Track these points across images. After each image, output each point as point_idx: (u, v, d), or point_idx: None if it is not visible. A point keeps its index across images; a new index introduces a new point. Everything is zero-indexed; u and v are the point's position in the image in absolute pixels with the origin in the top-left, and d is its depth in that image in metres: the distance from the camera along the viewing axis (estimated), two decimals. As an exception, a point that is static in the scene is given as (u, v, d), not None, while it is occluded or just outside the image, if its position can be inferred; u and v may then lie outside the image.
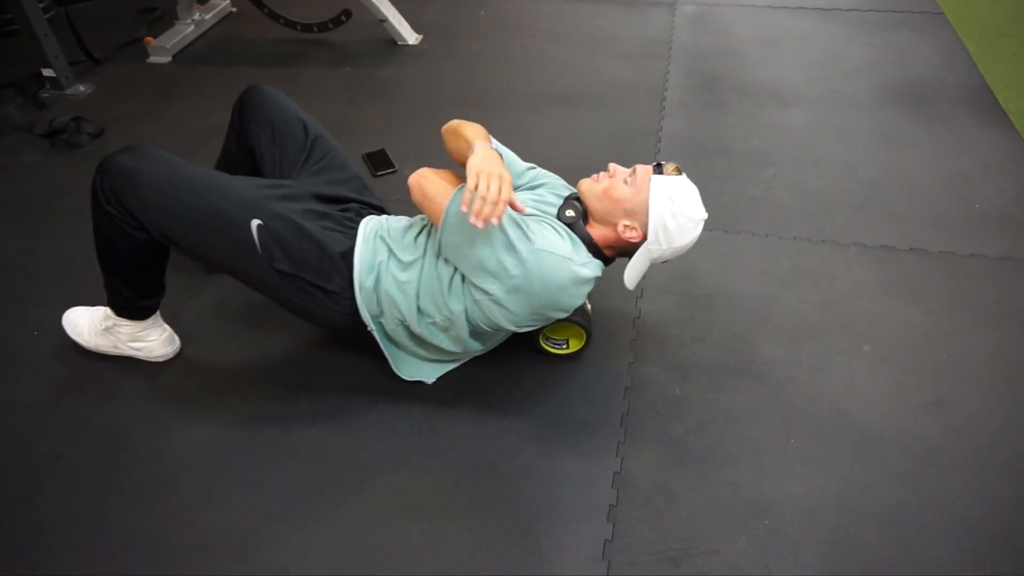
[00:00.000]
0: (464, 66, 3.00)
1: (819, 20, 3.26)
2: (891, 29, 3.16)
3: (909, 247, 2.01)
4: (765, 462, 1.49)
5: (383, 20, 3.09)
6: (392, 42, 3.17)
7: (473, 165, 1.29)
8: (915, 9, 3.31)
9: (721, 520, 1.39)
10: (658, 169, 1.44)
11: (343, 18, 3.14)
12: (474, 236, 1.32)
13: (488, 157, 1.32)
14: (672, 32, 3.20)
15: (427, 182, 1.44)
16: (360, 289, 1.47)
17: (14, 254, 2.05)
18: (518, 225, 1.35)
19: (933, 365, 1.69)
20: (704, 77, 2.86)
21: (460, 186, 1.35)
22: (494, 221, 1.26)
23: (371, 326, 1.51)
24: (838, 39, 3.10)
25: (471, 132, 1.45)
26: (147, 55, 3.09)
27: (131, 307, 1.59)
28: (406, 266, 1.45)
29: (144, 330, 1.64)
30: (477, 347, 1.56)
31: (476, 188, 1.25)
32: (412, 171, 2.31)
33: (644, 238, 1.44)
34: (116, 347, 1.68)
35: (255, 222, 1.39)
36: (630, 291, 1.55)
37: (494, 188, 1.25)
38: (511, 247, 1.31)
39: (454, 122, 1.52)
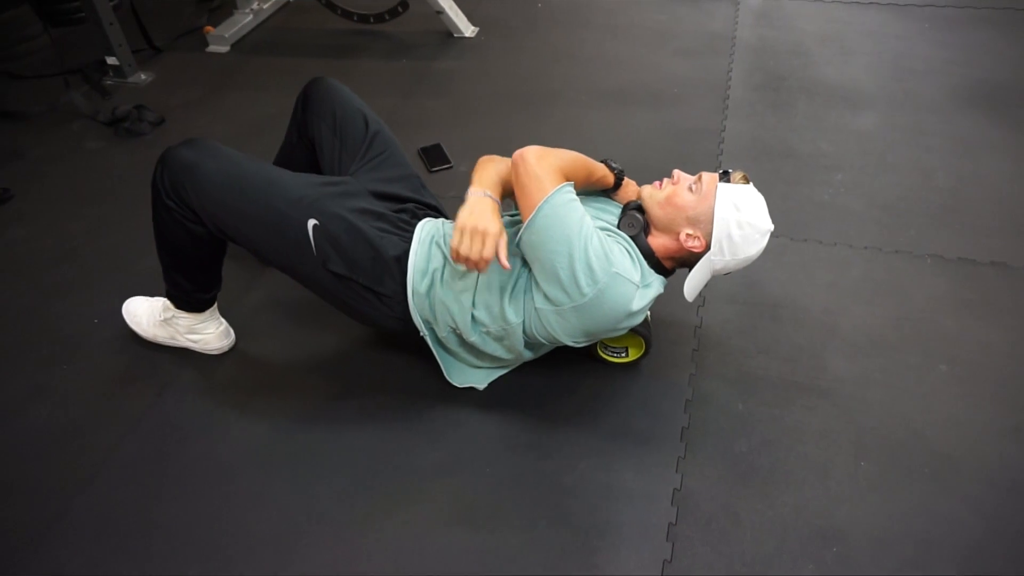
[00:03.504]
0: (520, 60, 2.96)
1: (892, 16, 3.11)
2: (970, 26, 3.01)
3: (990, 260, 1.90)
4: (833, 485, 1.42)
5: (440, 12, 3.05)
6: (448, 34, 3.13)
7: (459, 219, 1.30)
8: (996, 5, 3.14)
9: (786, 545, 1.33)
10: (725, 177, 1.38)
11: (400, 9, 3.11)
12: (557, 242, 1.27)
13: (476, 210, 1.30)
14: (736, 27, 3.10)
15: (531, 167, 1.29)
16: (413, 294, 1.44)
17: (78, 241, 2.08)
18: (601, 242, 1.29)
19: (1016, 387, 1.59)
20: (769, 75, 2.76)
21: (561, 185, 1.29)
22: (481, 268, 1.31)
23: (423, 331, 1.48)
24: (912, 37, 2.96)
25: (481, 173, 1.39)
26: (206, 44, 3.12)
27: (189, 300, 1.60)
28: (462, 274, 1.41)
29: (201, 323, 1.64)
30: (529, 355, 1.52)
31: (459, 246, 1.29)
32: (468, 168, 2.32)
33: (706, 248, 1.38)
34: (173, 338, 1.69)
35: (311, 222, 1.37)
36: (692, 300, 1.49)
37: (476, 247, 1.28)
38: (589, 265, 1.26)
39: (481, 160, 1.45)
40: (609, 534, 1.35)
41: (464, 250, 1.29)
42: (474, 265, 1.30)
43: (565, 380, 1.62)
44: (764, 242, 1.37)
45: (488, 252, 1.28)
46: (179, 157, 1.39)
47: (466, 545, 1.34)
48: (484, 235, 1.28)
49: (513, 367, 1.60)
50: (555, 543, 1.34)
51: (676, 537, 1.34)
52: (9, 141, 2.51)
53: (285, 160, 1.72)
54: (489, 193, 1.33)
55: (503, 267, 1.30)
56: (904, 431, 1.51)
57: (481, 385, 1.58)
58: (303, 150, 1.69)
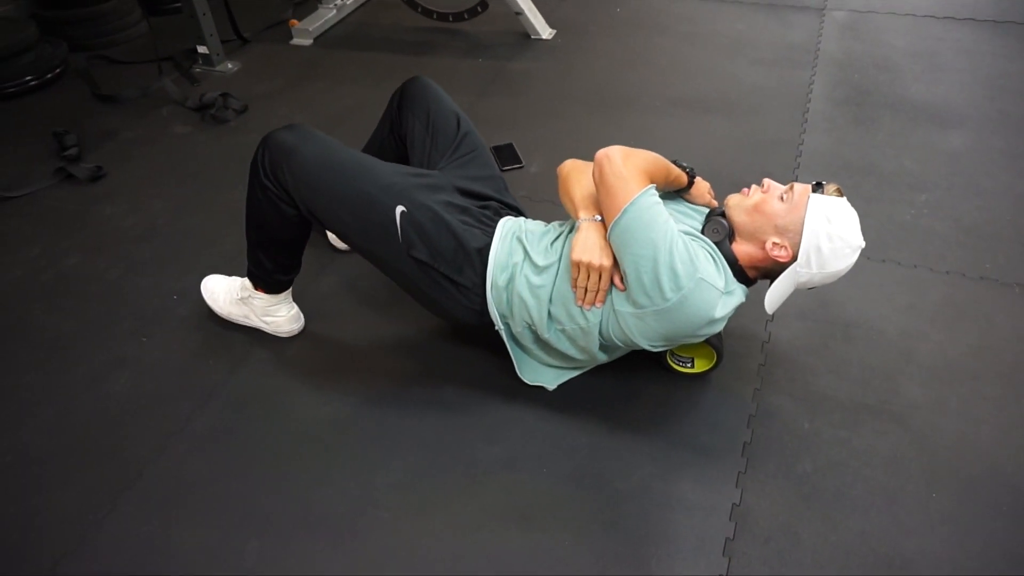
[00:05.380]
0: (597, 64, 2.95)
1: (989, 33, 2.98)
2: (1073, 48, 2.86)
3: (1084, 293, 1.81)
4: (901, 514, 1.37)
5: (519, 13, 3.08)
6: (526, 35, 3.15)
7: (574, 252, 1.35)
8: (1103, 26, 2.98)
9: (848, 572, 1.29)
10: (817, 188, 1.35)
11: (479, 9, 3.15)
12: (642, 245, 1.26)
13: (589, 241, 1.35)
14: (819, 39, 3.02)
15: (617, 166, 1.29)
16: (491, 287, 1.45)
17: (161, 220, 2.17)
18: (687, 247, 1.28)
19: (1107, 429, 1.50)
20: (853, 90, 2.68)
21: (646, 188, 1.29)
22: (598, 305, 1.37)
23: (498, 325, 1.49)
24: (1011, 55, 2.82)
25: (579, 193, 1.42)
26: (290, 37, 3.21)
27: (268, 280, 1.65)
28: (541, 270, 1.42)
29: (275, 304, 1.70)
30: (603, 358, 1.51)
31: (577, 278, 1.36)
32: (539, 168, 2.33)
33: (793, 259, 1.34)
34: (247, 317, 1.74)
35: (399, 208, 1.41)
36: (760, 313, 1.45)
37: (593, 279, 1.35)
38: (674, 270, 1.25)
39: (567, 167, 1.49)
40: (664, 543, 1.33)
41: (582, 282, 1.36)
42: (592, 298, 1.37)
43: (629, 385, 1.61)
44: (854, 258, 1.33)
45: (605, 285, 1.36)
46: (280, 140, 1.45)
47: (518, 543, 1.34)
48: (600, 270, 1.34)
49: (585, 369, 1.60)
50: (609, 548, 1.33)
51: (733, 553, 1.31)
52: (104, 123, 2.64)
53: (374, 152, 1.75)
54: (599, 217, 1.37)
55: (620, 288, 1.34)
56: (981, 464, 1.45)
57: (551, 385, 1.58)
58: (393, 144, 1.74)
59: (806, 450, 1.48)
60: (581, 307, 1.39)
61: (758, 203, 1.37)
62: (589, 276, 1.35)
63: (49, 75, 2.87)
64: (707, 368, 1.59)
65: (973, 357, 1.66)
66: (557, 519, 1.38)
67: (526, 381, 1.58)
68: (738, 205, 1.40)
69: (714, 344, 1.52)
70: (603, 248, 1.34)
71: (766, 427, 1.53)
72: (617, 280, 1.34)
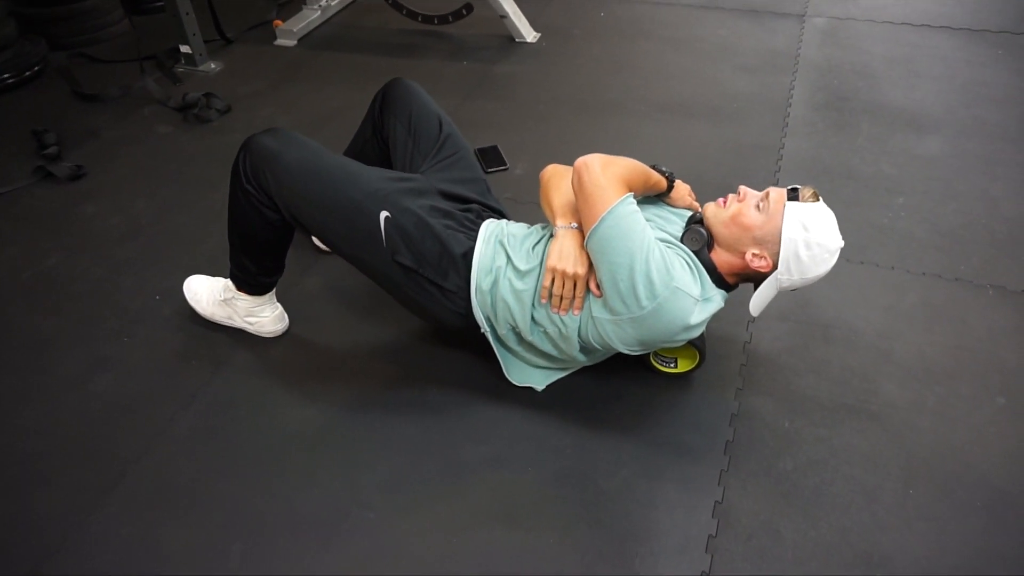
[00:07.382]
0: (581, 67, 2.97)
1: (964, 41, 3.04)
2: (1045, 56, 2.92)
3: (1056, 295, 1.85)
4: (880, 511, 1.40)
5: (503, 16, 3.09)
6: (510, 39, 3.17)
7: (550, 259, 1.37)
8: (1074, 36, 3.05)
9: (828, 567, 1.31)
10: (793, 194, 1.35)
11: (464, 12, 3.16)
12: (618, 253, 1.28)
13: (565, 249, 1.37)
14: (800, 46, 3.06)
15: (595, 175, 1.30)
16: (476, 291, 1.46)
17: (144, 220, 2.16)
18: (663, 255, 1.29)
19: (1077, 428, 1.54)
20: (832, 95, 2.72)
21: (624, 196, 1.30)
22: (575, 312, 1.39)
23: (484, 328, 1.50)
24: (986, 63, 2.88)
25: (558, 200, 1.44)
26: (275, 37, 3.21)
27: (252, 282, 1.65)
28: (523, 274, 1.43)
29: (259, 306, 1.69)
30: (583, 359, 1.53)
31: (551, 285, 1.38)
32: (524, 171, 2.35)
33: (773, 268, 1.36)
34: (230, 318, 1.74)
35: (384, 214, 1.41)
36: (741, 315, 1.47)
37: (568, 287, 1.37)
38: (649, 278, 1.27)
39: (549, 172, 1.52)
40: (648, 541, 1.34)
41: (556, 289, 1.38)
42: (567, 305, 1.39)
43: (614, 386, 1.63)
44: (834, 260, 1.35)
45: (580, 292, 1.37)
46: (262, 145, 1.45)
47: (504, 542, 1.35)
48: (575, 278, 1.36)
49: (573, 370, 1.61)
50: (593, 546, 1.34)
51: (716, 549, 1.33)
52: (86, 122, 2.62)
53: (356, 154, 1.76)
54: (575, 225, 1.39)
55: (596, 294, 1.36)
56: (957, 462, 1.48)
57: (540, 386, 1.59)
58: (375, 146, 1.74)
59: (787, 449, 1.51)
60: (557, 313, 1.40)
61: (735, 215, 1.38)
62: (564, 284, 1.36)
63: (28, 73, 2.84)
64: (690, 368, 1.61)
65: (949, 357, 1.70)
66: (542, 518, 1.39)
67: (514, 382, 1.58)
68: (715, 216, 1.41)
69: (697, 345, 1.54)
70: (578, 256, 1.35)
71: (748, 426, 1.55)
72: (593, 286, 1.36)
